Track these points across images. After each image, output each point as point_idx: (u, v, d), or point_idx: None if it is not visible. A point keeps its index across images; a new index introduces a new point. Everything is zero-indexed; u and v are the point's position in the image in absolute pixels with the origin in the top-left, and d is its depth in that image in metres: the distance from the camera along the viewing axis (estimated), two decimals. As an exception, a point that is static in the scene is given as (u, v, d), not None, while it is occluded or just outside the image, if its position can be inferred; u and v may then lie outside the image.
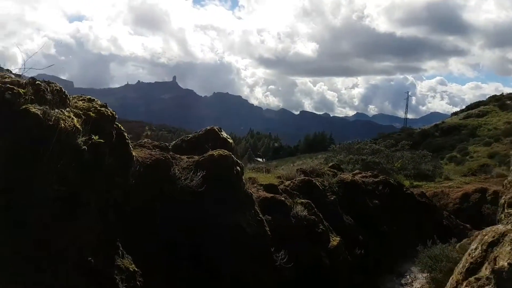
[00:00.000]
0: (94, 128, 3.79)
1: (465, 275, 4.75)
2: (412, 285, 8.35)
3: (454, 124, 63.33)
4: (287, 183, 8.93)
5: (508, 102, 62.86)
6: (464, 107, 75.45)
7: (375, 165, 17.20)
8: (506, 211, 5.22)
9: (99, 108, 4.10)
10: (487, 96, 72.92)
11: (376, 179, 11.91)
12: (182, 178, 4.76)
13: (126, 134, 4.30)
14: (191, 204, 4.70)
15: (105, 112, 4.08)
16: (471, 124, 60.31)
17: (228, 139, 6.46)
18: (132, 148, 4.33)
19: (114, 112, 4.24)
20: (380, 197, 11.16)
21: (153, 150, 4.95)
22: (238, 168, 5.76)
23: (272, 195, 6.91)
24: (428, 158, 18.09)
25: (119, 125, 4.33)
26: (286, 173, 10.13)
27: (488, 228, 5.03)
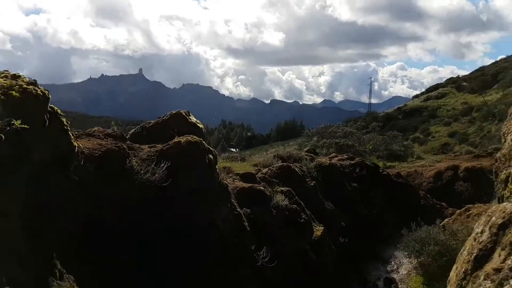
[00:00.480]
0: (17, 111, 2.79)
1: (474, 264, 4.13)
2: (399, 272, 7.86)
3: (415, 106, 64.81)
4: (264, 170, 8.16)
5: (464, 83, 64.90)
6: (423, 90, 77.46)
7: (349, 148, 16.78)
8: (511, 186, 4.66)
9: (25, 86, 3.07)
10: (444, 79, 75.00)
11: (352, 162, 11.38)
12: (142, 171, 3.83)
13: (64, 119, 3.30)
14: (152, 203, 3.78)
15: (33, 91, 3.07)
16: (431, 106, 61.91)
17: (198, 124, 5.54)
18: (73, 137, 3.33)
19: (46, 92, 3.23)
20: (358, 180, 10.63)
21: (104, 140, 3.96)
22: (210, 156, 4.88)
23: (250, 185, 6.10)
24: (399, 139, 17.89)
25: (55, 108, 3.32)
26: (263, 160, 9.35)
27: (493, 208, 4.43)
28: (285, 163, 8.51)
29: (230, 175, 6.78)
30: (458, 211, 9.26)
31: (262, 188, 6.15)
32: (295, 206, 6.54)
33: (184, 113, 5.44)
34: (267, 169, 8.26)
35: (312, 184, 8.37)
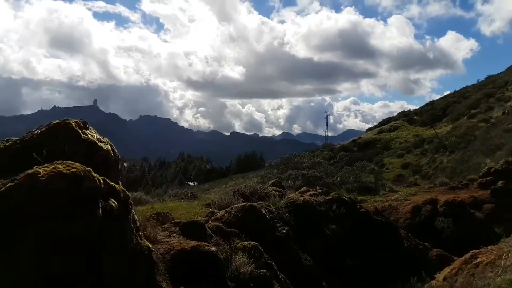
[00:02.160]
0: None
1: None
2: None
3: (369, 139, 65.98)
4: (220, 214, 5.88)
5: (415, 117, 67.43)
6: (375, 123, 79.79)
7: (316, 180, 14.92)
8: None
9: None
10: (395, 113, 77.84)
11: (327, 197, 9.38)
12: None
13: None
14: None
15: None
16: (384, 138, 63.22)
17: (99, 144, 3.19)
18: None
19: None
20: (336, 220, 8.61)
21: None
22: (112, 202, 2.57)
23: (193, 244, 3.78)
24: (368, 170, 16.35)
25: None
26: (219, 199, 7.03)
27: None
28: (248, 203, 6.26)
29: (166, 225, 4.43)
30: (462, 258, 7.49)
31: (213, 249, 3.83)
32: (263, 271, 4.28)
33: (73, 124, 3.09)
34: (224, 211, 5.99)
35: (284, 231, 6.16)
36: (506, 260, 6.33)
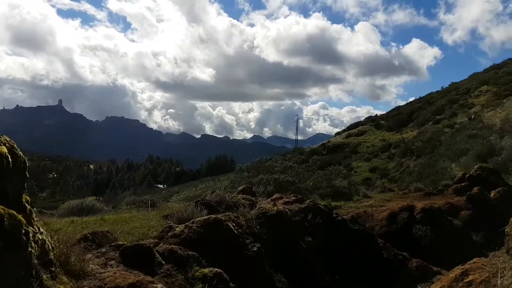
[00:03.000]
0: None
1: None
2: None
3: (338, 143, 66.62)
4: (179, 229, 4.84)
5: (382, 122, 68.77)
6: (344, 128, 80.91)
7: (289, 185, 14.11)
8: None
9: None
10: (362, 118, 79.34)
11: (302, 205, 8.53)
12: None
13: None
14: None
15: None
16: (352, 142, 64.01)
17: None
18: None
19: None
20: (312, 231, 7.77)
21: None
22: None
23: (133, 280, 2.73)
24: (342, 174, 15.75)
25: None
26: (179, 210, 5.94)
27: None
28: (213, 216, 5.24)
29: (103, 249, 3.34)
30: (451, 276, 6.82)
31: (160, 286, 2.80)
32: (230, 308, 3.30)
33: None
34: (184, 226, 4.95)
35: (255, 248, 5.19)
36: (503, 279, 5.72)
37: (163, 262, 3.34)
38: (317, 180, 15.93)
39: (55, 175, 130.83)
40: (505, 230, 6.26)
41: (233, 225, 5.30)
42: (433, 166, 34.06)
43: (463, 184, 12.30)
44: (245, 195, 9.04)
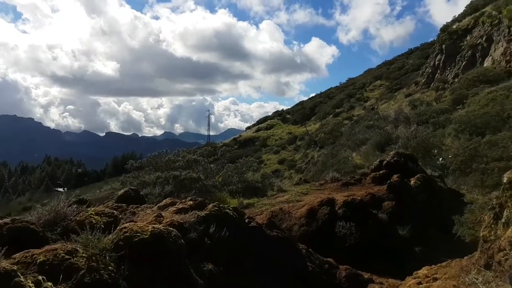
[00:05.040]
0: None
1: None
2: None
3: (249, 137, 66.28)
4: None
5: (288, 116, 70.09)
6: (254, 122, 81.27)
7: (193, 182, 11.24)
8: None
9: None
10: (269, 113, 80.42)
11: (202, 214, 5.75)
12: None
13: None
14: None
15: None
16: (262, 136, 64.12)
17: None
18: None
19: None
20: (214, 253, 5.06)
21: None
22: None
23: None
24: (254, 166, 13.44)
25: None
26: None
27: None
28: (6, 267, 2.11)
29: None
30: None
31: None
32: None
33: None
34: None
35: None
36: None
37: None
38: (227, 174, 13.34)
39: None
40: (481, 234, 4.33)
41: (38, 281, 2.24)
42: (335, 156, 34.68)
43: (381, 172, 10.99)
44: (117, 205, 5.89)
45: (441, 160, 16.19)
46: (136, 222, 4.34)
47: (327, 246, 9.24)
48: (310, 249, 8.10)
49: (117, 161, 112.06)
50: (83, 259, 3.27)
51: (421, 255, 9.27)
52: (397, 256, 8.35)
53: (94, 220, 4.03)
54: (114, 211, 4.28)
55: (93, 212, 4.09)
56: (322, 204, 10.10)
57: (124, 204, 6.02)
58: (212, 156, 13.95)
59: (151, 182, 11.86)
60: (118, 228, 3.75)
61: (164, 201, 6.42)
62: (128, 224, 3.80)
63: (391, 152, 11.54)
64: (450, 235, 9.97)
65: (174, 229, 4.07)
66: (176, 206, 6.08)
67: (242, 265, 5.66)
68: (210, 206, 6.11)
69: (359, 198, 9.76)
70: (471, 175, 13.21)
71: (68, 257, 3.25)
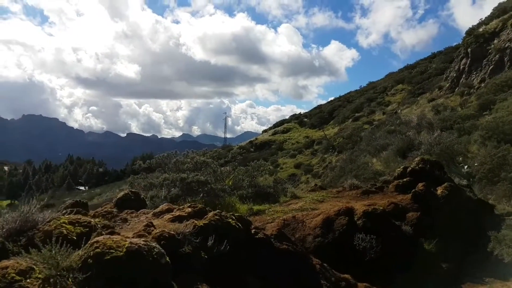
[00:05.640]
0: None
1: None
2: None
3: (265, 140, 65.70)
4: None
5: (305, 119, 69.00)
6: (270, 126, 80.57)
7: (201, 185, 10.55)
8: None
9: None
10: (286, 116, 79.82)
11: (200, 222, 5.01)
12: None
13: None
14: None
15: None
16: (278, 139, 63.40)
17: None
18: None
19: None
20: (210, 271, 4.32)
21: None
22: None
23: None
24: (267, 170, 12.64)
25: None
26: None
27: None
28: None
29: None
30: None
31: None
32: None
33: None
34: None
35: None
36: None
37: None
38: (237, 178, 12.59)
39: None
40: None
41: None
42: (354, 161, 33.42)
43: (405, 179, 9.98)
44: (108, 210, 5.24)
45: (467, 168, 15.04)
46: (118, 233, 3.65)
47: (344, 260, 8.28)
48: (325, 264, 7.25)
49: (136, 161, 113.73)
50: (37, 282, 2.60)
51: (448, 272, 8.24)
52: (422, 273, 7.39)
53: (65, 231, 3.35)
54: (92, 220, 3.58)
55: (66, 221, 3.42)
56: (340, 214, 9.16)
57: (115, 210, 5.37)
58: (223, 158, 13.28)
59: (158, 184, 11.27)
60: (89, 241, 3.06)
61: (161, 207, 5.73)
62: (102, 237, 3.10)
63: (416, 158, 10.51)
64: (482, 252, 8.84)
65: (158, 245, 3.34)
66: (172, 213, 5.37)
67: (246, 285, 4.88)
68: (211, 214, 5.36)
69: (380, 208, 8.80)
70: (498, 184, 12.14)
71: (19, 278, 2.58)
